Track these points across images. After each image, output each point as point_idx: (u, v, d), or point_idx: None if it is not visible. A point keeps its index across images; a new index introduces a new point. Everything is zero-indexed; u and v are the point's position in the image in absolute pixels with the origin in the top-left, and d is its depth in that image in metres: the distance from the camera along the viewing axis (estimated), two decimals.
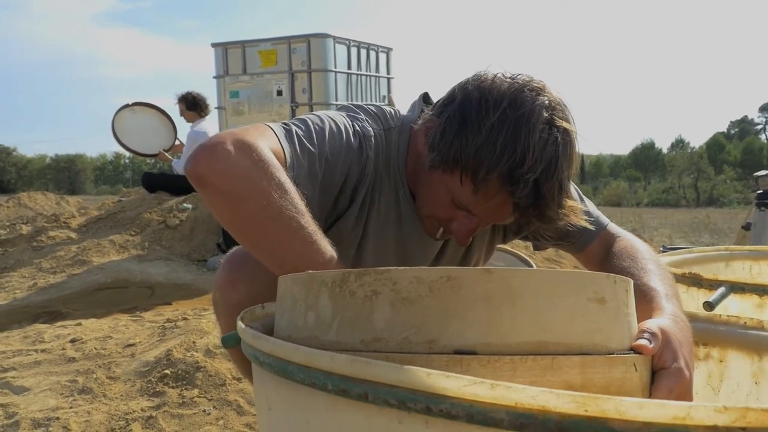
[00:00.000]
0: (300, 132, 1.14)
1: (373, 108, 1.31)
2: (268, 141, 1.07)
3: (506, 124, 1.04)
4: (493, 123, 1.04)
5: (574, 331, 0.74)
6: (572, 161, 1.09)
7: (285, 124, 1.16)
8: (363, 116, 1.27)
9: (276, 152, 1.06)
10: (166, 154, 6.04)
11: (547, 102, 1.06)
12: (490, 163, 1.04)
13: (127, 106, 6.05)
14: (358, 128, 1.22)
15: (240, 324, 0.84)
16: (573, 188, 1.33)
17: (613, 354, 0.76)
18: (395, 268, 0.75)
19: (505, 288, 0.72)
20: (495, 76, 1.09)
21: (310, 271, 0.83)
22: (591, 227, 1.27)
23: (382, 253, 1.30)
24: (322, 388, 0.66)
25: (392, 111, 1.32)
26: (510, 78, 1.09)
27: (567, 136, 1.06)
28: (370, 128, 1.24)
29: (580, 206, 1.17)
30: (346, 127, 1.21)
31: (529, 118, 1.04)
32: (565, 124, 1.07)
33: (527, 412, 0.54)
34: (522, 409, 0.54)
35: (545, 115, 1.05)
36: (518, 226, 1.35)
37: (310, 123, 1.18)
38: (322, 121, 1.19)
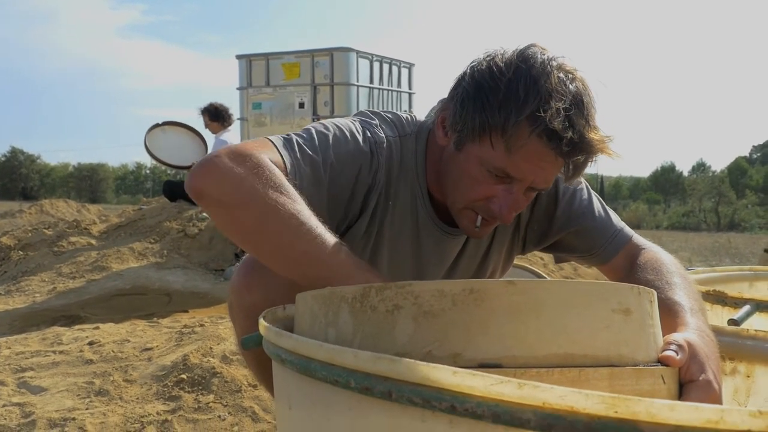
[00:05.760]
0: (301, 140, 1.13)
1: (389, 115, 1.30)
2: (266, 151, 1.06)
3: (523, 76, 1.05)
4: (509, 78, 1.06)
5: (601, 342, 0.73)
6: (595, 104, 1.09)
7: (286, 134, 1.15)
8: (377, 122, 1.26)
9: (276, 161, 1.05)
10: None
11: (555, 56, 1.09)
12: (517, 109, 1.04)
13: (157, 125, 6.14)
14: (369, 134, 1.22)
15: (262, 322, 0.84)
16: (596, 198, 1.32)
17: (639, 366, 0.75)
18: (417, 281, 0.74)
19: (529, 300, 0.71)
20: (496, 49, 1.13)
21: (330, 287, 0.82)
22: (616, 237, 1.26)
23: (398, 259, 1.30)
24: (344, 386, 0.65)
25: (409, 117, 1.32)
26: (512, 48, 1.12)
27: (584, 81, 1.09)
28: (382, 134, 1.23)
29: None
30: (353, 133, 1.20)
31: (544, 68, 1.06)
32: (578, 73, 1.09)
33: (555, 413, 0.53)
34: (549, 410, 0.53)
35: (558, 63, 1.08)
36: (540, 236, 1.34)
37: (312, 131, 1.17)
38: (326, 128, 1.18)
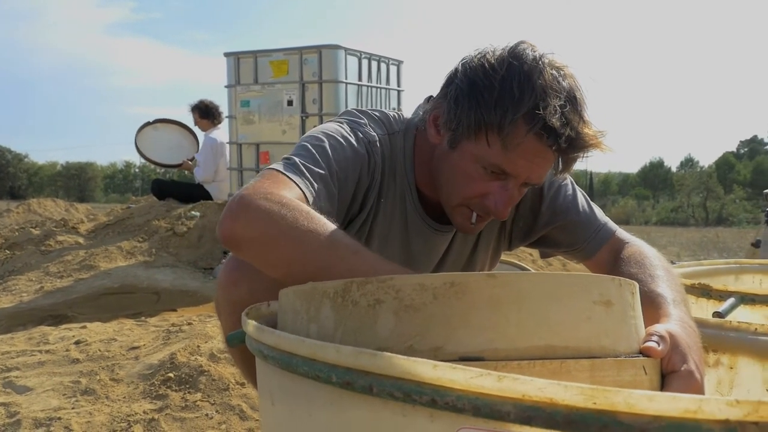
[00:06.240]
0: (305, 161, 1.11)
1: (376, 113, 1.30)
2: (280, 182, 1.04)
3: (516, 73, 1.06)
4: (503, 75, 1.06)
5: (582, 334, 0.73)
6: (587, 99, 1.10)
7: (286, 158, 1.12)
8: (366, 121, 1.26)
9: (295, 193, 1.04)
10: (190, 163, 6.10)
11: (545, 52, 1.10)
12: (513, 107, 1.04)
13: (149, 123, 6.15)
14: (361, 135, 1.21)
15: (244, 318, 0.84)
16: (580, 193, 1.32)
17: (621, 357, 0.75)
18: (398, 275, 0.74)
19: (510, 292, 0.71)
20: (487, 46, 1.13)
21: (311, 283, 0.81)
22: (600, 231, 1.26)
23: (387, 256, 1.29)
24: (326, 381, 0.65)
25: (396, 115, 1.32)
26: (502, 46, 1.12)
27: (575, 77, 1.10)
28: (374, 133, 1.24)
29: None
30: (345, 137, 1.19)
31: (536, 65, 1.06)
32: (569, 69, 1.10)
33: (534, 405, 0.53)
34: (529, 402, 0.53)
35: (548, 60, 1.08)
36: (525, 232, 1.35)
37: (309, 146, 1.15)
38: (319, 139, 1.16)
